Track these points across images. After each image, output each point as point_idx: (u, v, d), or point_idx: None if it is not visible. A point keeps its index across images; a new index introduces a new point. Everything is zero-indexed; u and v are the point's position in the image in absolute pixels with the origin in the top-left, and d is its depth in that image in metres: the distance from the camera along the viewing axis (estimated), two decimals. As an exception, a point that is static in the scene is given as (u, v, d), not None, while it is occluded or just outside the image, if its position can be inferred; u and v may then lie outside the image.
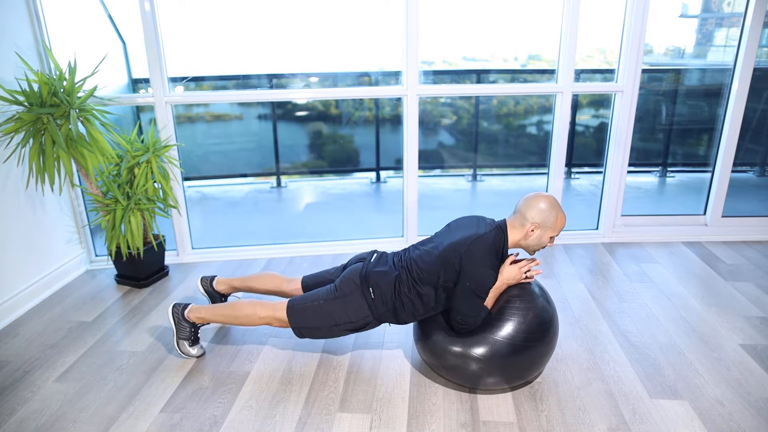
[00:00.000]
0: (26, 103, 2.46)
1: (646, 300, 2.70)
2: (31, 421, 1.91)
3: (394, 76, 3.34)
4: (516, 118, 4.54)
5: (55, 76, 2.53)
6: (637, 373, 2.12)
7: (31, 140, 2.48)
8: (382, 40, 3.54)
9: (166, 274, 3.08)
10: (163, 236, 3.01)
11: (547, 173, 3.41)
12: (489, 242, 1.96)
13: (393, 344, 2.36)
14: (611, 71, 3.26)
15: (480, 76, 4.17)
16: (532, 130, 4.57)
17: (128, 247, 2.82)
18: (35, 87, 2.58)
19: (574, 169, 4.56)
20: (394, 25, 3.03)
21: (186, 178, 3.48)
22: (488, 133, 4.57)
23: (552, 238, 2.02)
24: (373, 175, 4.71)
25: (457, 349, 1.94)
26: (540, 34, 3.64)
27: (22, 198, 2.70)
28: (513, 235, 2.01)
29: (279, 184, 4.58)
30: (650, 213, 3.53)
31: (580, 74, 3.35)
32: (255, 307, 2.13)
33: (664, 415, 1.89)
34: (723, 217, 3.46)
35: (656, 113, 3.78)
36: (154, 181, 2.86)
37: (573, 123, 4.07)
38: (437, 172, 4.77)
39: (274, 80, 3.98)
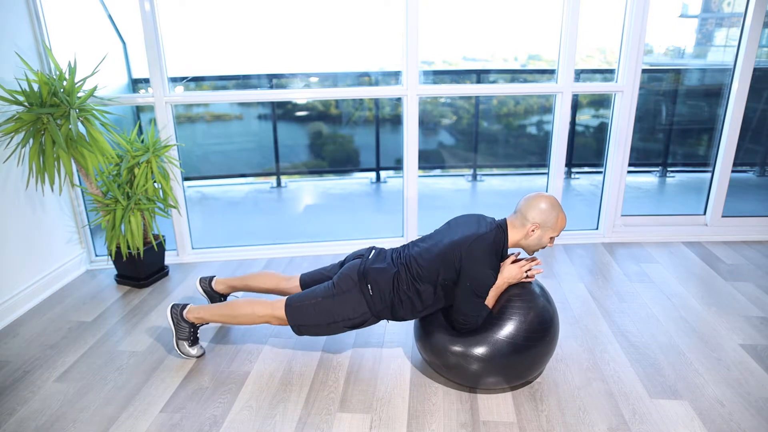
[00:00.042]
0: (26, 103, 2.46)
1: (646, 300, 2.70)
2: (31, 421, 1.91)
3: (394, 76, 3.34)
4: (516, 118, 4.54)
5: (55, 76, 2.53)
6: (637, 373, 2.12)
7: (31, 140, 2.48)
8: (382, 40, 3.54)
9: (166, 274, 3.08)
10: (163, 236, 3.01)
11: (547, 173, 3.41)
12: (489, 242, 1.96)
13: (393, 344, 2.36)
14: (611, 71, 3.26)
15: (480, 76, 4.17)
16: (532, 130, 4.57)
17: (128, 247, 2.82)
18: (35, 87, 2.58)
19: (574, 169, 4.56)
20: (394, 25, 3.03)
21: (186, 178, 3.49)
22: (488, 133, 4.57)
23: (552, 239, 2.02)
24: (373, 175, 4.71)
25: (458, 348, 1.94)
26: (540, 34, 3.64)
27: (22, 198, 2.70)
28: (513, 235, 2.01)
29: (279, 184, 4.58)
30: (650, 213, 3.53)
31: (580, 74, 3.35)
32: (253, 305, 2.13)
33: (664, 415, 1.89)
34: (723, 217, 3.46)
35: (656, 113, 3.78)
36: (154, 181, 2.86)
37: (573, 123, 4.08)
38: (437, 172, 4.77)
39: (274, 80, 3.98)
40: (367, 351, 2.31)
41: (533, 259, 2.06)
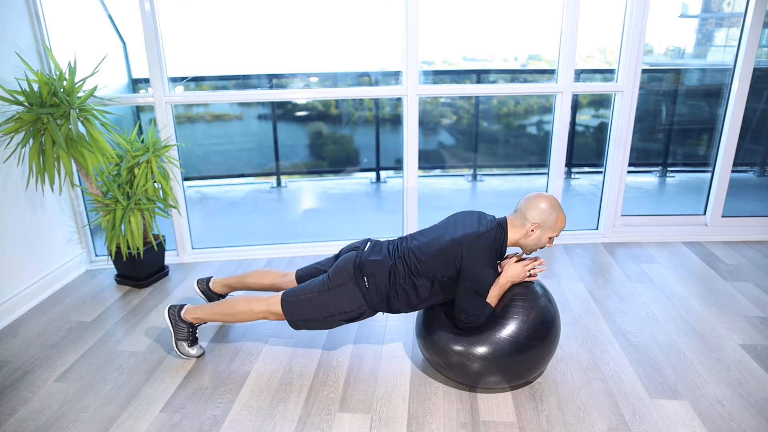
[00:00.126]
0: (26, 103, 2.46)
1: (646, 300, 2.70)
2: (31, 421, 1.91)
3: (394, 76, 3.34)
4: (516, 118, 4.54)
5: (55, 76, 2.53)
6: (637, 373, 2.12)
7: (31, 140, 2.48)
8: (382, 40, 3.54)
9: (166, 274, 3.08)
10: (163, 236, 3.01)
11: (547, 173, 3.41)
12: (490, 240, 1.96)
13: (393, 343, 2.36)
14: (611, 71, 3.26)
15: (480, 76, 4.17)
16: (532, 130, 4.57)
17: (128, 247, 2.82)
18: (35, 87, 2.58)
19: (574, 169, 4.56)
20: (394, 25, 3.03)
21: (186, 178, 3.48)
22: (488, 133, 4.57)
23: (551, 239, 2.02)
24: (373, 175, 4.71)
25: (459, 347, 1.94)
26: (540, 34, 3.64)
27: (22, 198, 2.70)
28: (513, 234, 2.01)
29: (279, 184, 4.58)
30: (650, 213, 3.53)
31: (580, 74, 3.35)
32: (250, 302, 2.13)
33: (664, 415, 1.89)
34: (723, 217, 3.46)
35: (656, 113, 3.78)
36: (154, 181, 2.86)
37: (573, 123, 4.08)
38: (437, 172, 4.77)
39: (274, 80, 3.98)
40: (367, 350, 2.31)
41: (536, 259, 2.06)
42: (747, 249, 3.30)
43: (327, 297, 2.04)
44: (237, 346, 2.35)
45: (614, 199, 3.40)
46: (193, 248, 3.30)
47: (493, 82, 4.27)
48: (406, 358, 2.26)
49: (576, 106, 4.24)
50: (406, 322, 2.53)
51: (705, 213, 3.51)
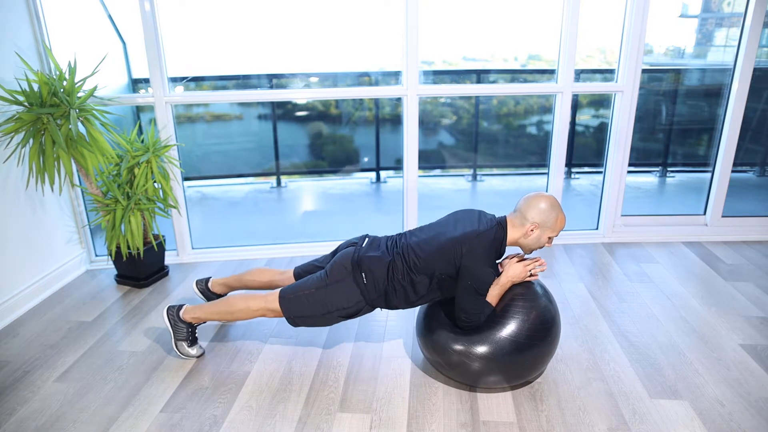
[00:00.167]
0: (26, 103, 2.46)
1: (646, 300, 2.70)
2: (31, 421, 1.91)
3: (394, 76, 3.34)
4: (516, 118, 4.54)
5: (55, 76, 2.53)
6: (637, 373, 2.12)
7: (31, 140, 2.49)
8: (382, 40, 3.54)
9: (166, 274, 3.08)
10: (163, 236, 3.01)
11: (547, 173, 3.41)
12: (489, 239, 1.96)
13: (393, 342, 2.36)
14: (611, 71, 3.26)
15: (480, 76, 4.17)
16: (532, 130, 4.57)
17: (128, 247, 2.82)
18: (35, 87, 2.58)
19: (574, 169, 4.56)
20: (394, 25, 3.03)
21: (186, 178, 3.48)
22: (488, 133, 4.57)
23: (550, 239, 2.02)
24: (373, 175, 4.71)
25: (460, 346, 1.94)
26: (540, 34, 3.64)
27: (22, 198, 2.70)
28: (512, 233, 2.01)
29: (279, 183, 4.58)
30: (650, 213, 3.53)
31: (580, 74, 3.35)
32: (247, 300, 2.13)
33: (664, 415, 1.89)
34: (723, 217, 3.46)
35: (656, 113, 3.78)
36: (154, 181, 2.86)
37: (573, 123, 4.08)
38: (437, 172, 4.77)
39: (274, 80, 3.98)
40: (367, 350, 2.31)
41: (537, 259, 2.06)
42: (747, 249, 3.30)
43: (325, 293, 2.04)
44: (237, 346, 2.35)
45: (614, 199, 3.40)
46: (193, 248, 3.30)
47: (493, 82, 4.27)
48: (406, 357, 2.26)
49: (576, 106, 4.24)
50: (406, 322, 2.53)
51: (705, 213, 3.51)
